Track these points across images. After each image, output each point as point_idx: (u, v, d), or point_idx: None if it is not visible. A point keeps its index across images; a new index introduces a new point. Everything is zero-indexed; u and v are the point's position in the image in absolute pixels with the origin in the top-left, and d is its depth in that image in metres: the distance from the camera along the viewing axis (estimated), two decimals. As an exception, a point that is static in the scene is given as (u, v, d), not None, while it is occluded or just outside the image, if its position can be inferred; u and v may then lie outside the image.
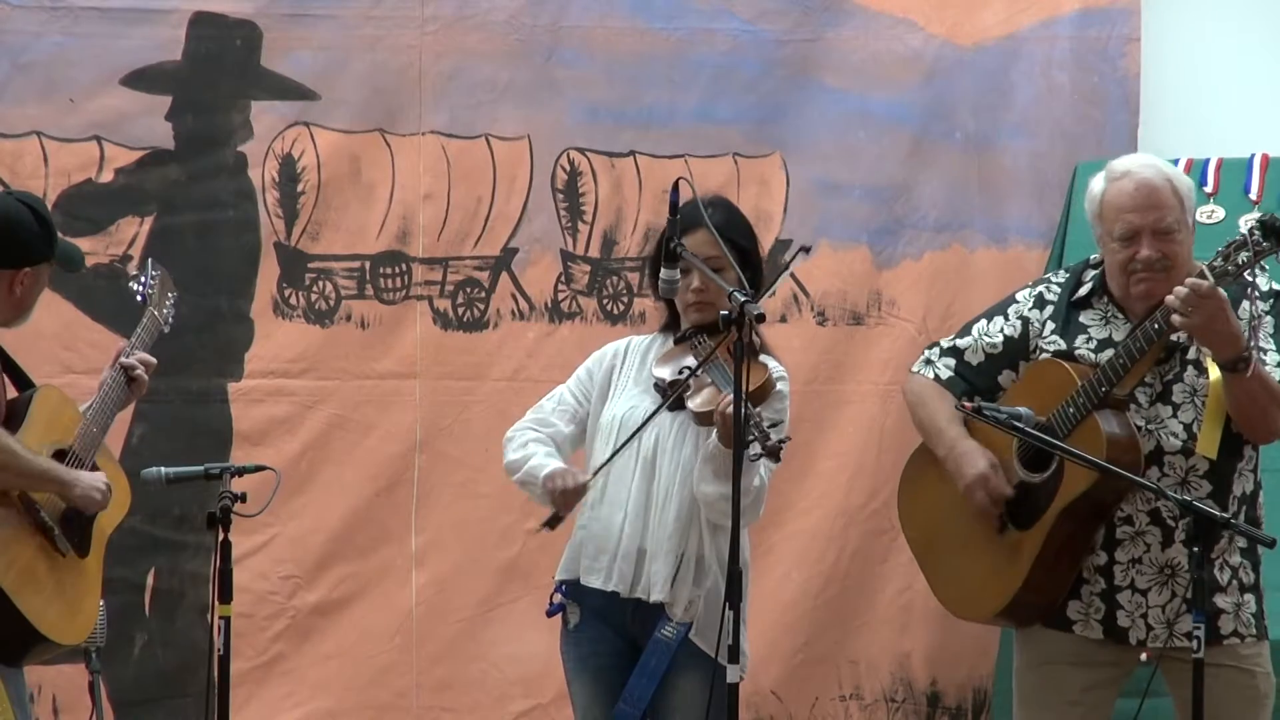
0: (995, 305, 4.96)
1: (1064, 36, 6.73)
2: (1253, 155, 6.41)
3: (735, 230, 4.84)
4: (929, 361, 4.95)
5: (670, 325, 5.02)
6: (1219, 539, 4.59)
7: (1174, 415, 4.66)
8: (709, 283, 4.80)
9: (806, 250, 4.70)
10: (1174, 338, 4.64)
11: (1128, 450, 4.60)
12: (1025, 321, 4.85)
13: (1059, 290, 4.86)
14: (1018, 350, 4.85)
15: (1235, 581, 4.68)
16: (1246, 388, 4.54)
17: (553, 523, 4.83)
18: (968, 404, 4.70)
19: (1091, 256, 4.90)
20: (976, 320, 4.95)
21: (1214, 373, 4.62)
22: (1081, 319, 4.79)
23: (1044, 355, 4.78)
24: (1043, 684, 4.80)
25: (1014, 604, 4.74)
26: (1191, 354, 4.68)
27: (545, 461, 4.86)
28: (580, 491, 4.80)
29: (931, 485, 4.92)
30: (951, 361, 4.91)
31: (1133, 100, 6.75)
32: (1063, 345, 4.76)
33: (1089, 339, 4.76)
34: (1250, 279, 4.51)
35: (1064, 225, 6.49)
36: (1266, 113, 6.78)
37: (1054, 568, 4.69)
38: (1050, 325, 4.81)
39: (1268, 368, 4.59)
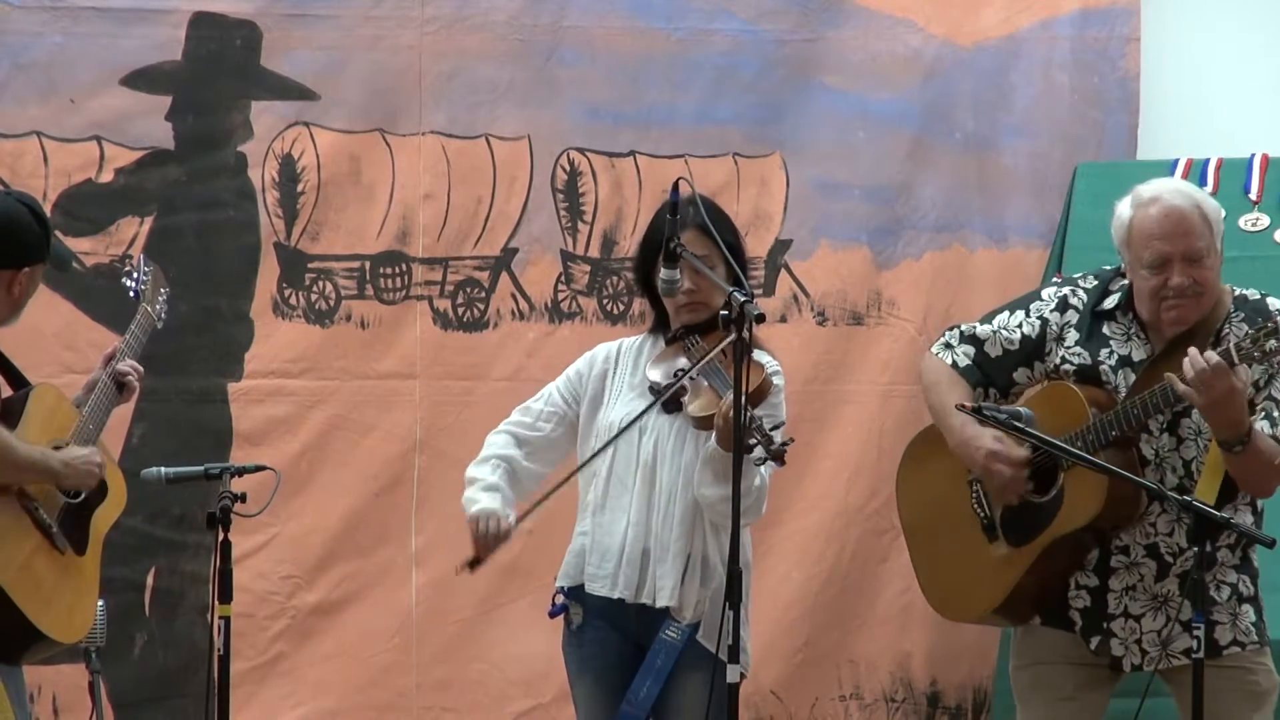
0: (1020, 298, 4.92)
1: (1064, 37, 6.73)
2: (1253, 155, 6.41)
3: (722, 227, 4.82)
4: (949, 345, 4.91)
5: (660, 326, 5.01)
6: (1215, 562, 4.61)
7: (1177, 449, 4.65)
8: (700, 282, 4.80)
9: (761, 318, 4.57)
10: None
11: (1125, 504, 4.60)
12: (1044, 322, 4.82)
13: (1085, 296, 4.81)
14: (1033, 350, 4.82)
15: (1235, 596, 4.68)
16: (1244, 462, 4.53)
17: (473, 565, 4.82)
18: (967, 404, 4.69)
19: (1123, 265, 4.84)
20: (1000, 311, 4.91)
21: None
22: (1105, 330, 4.76)
23: (1067, 366, 4.75)
24: (1037, 680, 4.81)
25: (996, 614, 4.80)
26: None
27: (478, 496, 4.84)
28: (502, 537, 4.78)
29: (933, 468, 4.90)
30: (970, 350, 4.87)
31: (1133, 100, 6.75)
32: (1086, 358, 4.73)
33: (1111, 353, 4.72)
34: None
35: (1064, 226, 6.49)
36: (1266, 113, 6.78)
37: (1038, 588, 4.72)
38: (1074, 334, 4.78)
39: (1272, 429, 4.56)
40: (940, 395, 4.85)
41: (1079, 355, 4.76)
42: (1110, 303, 4.77)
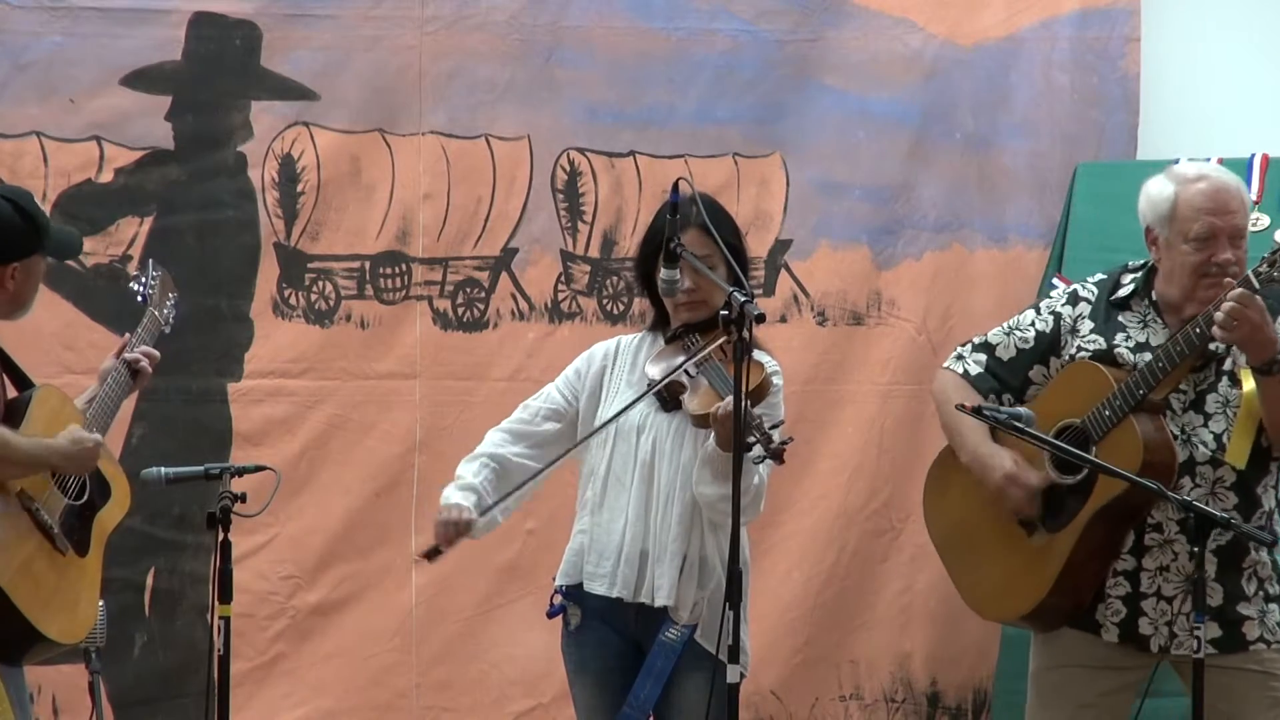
0: (1030, 305, 4.95)
1: (1064, 37, 6.73)
2: (1253, 155, 6.41)
3: (724, 227, 4.82)
4: (960, 357, 4.93)
5: (659, 323, 5.01)
6: (1248, 550, 4.61)
7: (1205, 424, 4.65)
8: (700, 282, 4.80)
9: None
10: (1212, 346, 4.62)
11: (1163, 453, 4.59)
12: (1057, 317, 4.83)
13: (1095, 290, 4.84)
14: (1049, 345, 4.83)
15: (1261, 592, 4.67)
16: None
17: (430, 554, 4.85)
18: (967, 405, 4.69)
19: (1129, 262, 4.87)
20: (1011, 319, 4.94)
21: (1248, 385, 4.60)
22: (1120, 318, 4.77)
23: (1082, 354, 4.76)
24: (1060, 685, 4.78)
25: (1042, 605, 4.73)
26: (1227, 365, 4.66)
27: (451, 492, 4.89)
28: (461, 529, 4.81)
29: (957, 486, 4.91)
30: (983, 357, 4.89)
31: (1133, 100, 6.75)
32: (1102, 343, 4.74)
33: (1128, 338, 4.73)
34: None
35: (1064, 225, 6.49)
36: (1266, 113, 6.78)
37: (1083, 570, 4.67)
38: (1088, 324, 4.79)
39: None
40: (950, 410, 4.83)
41: (1094, 342, 4.76)
42: (1125, 291, 4.79)
